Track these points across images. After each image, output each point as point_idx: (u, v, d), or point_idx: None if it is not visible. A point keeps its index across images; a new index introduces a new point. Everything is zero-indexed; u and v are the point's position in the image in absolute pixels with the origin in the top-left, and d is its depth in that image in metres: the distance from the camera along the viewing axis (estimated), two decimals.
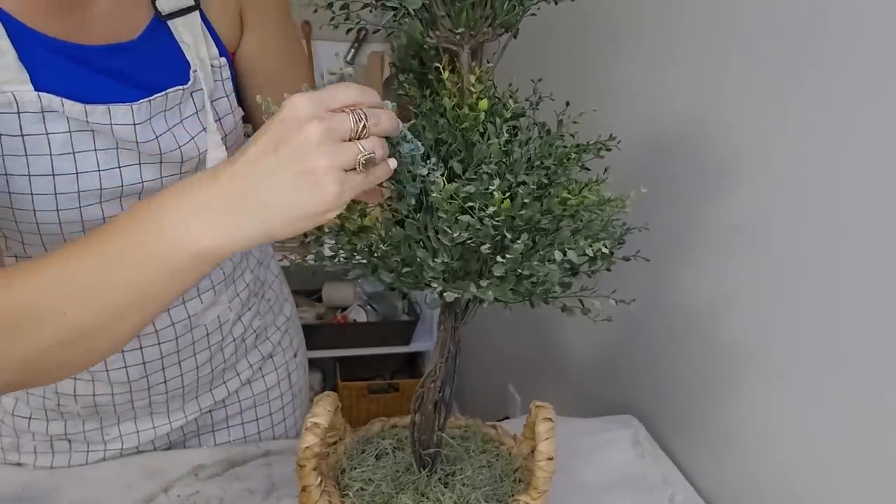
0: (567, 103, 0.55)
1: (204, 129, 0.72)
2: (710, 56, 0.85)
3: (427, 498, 0.66)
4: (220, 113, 0.74)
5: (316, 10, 0.46)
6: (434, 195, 0.51)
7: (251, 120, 0.84)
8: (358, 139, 0.48)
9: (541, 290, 0.54)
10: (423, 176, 0.52)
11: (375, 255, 0.56)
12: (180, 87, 0.70)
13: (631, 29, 1.04)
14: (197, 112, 0.71)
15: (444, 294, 0.55)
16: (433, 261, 0.53)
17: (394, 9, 0.46)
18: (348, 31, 0.47)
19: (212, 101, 0.72)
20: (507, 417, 1.43)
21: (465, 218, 0.51)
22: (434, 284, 0.54)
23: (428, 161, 0.52)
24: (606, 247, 0.52)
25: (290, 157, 0.46)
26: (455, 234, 0.51)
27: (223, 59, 0.74)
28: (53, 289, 0.50)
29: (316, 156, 0.46)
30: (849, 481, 0.69)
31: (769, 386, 0.78)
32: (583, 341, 1.27)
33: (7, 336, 0.50)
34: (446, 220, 0.51)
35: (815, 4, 0.69)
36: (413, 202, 0.54)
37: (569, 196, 0.52)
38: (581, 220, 0.54)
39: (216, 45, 0.74)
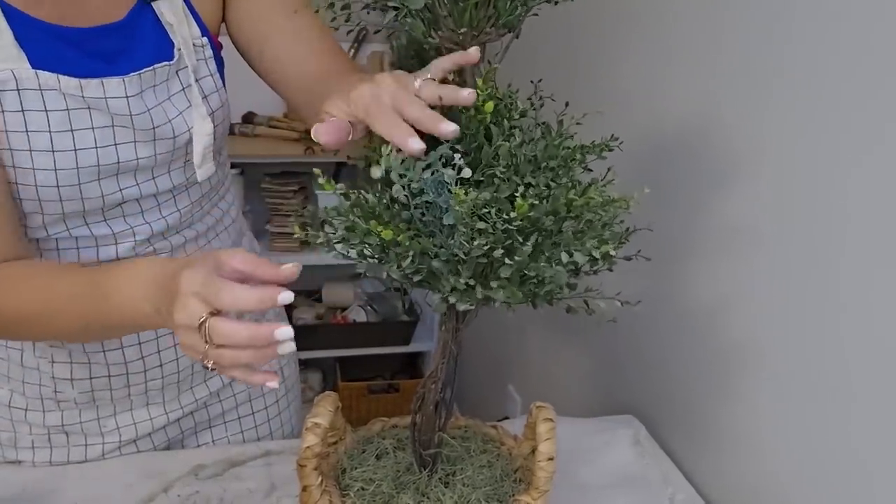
0: (566, 104, 0.55)
1: (190, 104, 0.76)
2: (710, 57, 0.85)
3: (428, 498, 0.66)
4: (206, 90, 0.77)
5: (318, 11, 0.45)
6: (456, 209, 0.51)
7: (276, 88, 0.84)
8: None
9: (545, 291, 0.54)
10: (447, 183, 0.52)
11: (385, 255, 0.55)
12: (166, 63, 0.74)
13: (631, 29, 1.04)
14: (183, 89, 0.76)
15: (457, 304, 0.55)
16: (455, 279, 0.53)
17: (395, 9, 0.46)
18: (349, 32, 0.47)
19: (197, 80, 0.76)
20: (506, 417, 1.43)
21: (481, 224, 0.51)
22: (451, 299, 0.55)
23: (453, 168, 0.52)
24: (614, 250, 0.52)
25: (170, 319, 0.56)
26: (475, 245, 0.51)
27: (204, 39, 0.77)
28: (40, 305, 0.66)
29: (179, 334, 0.56)
30: (848, 481, 0.69)
31: (769, 386, 0.78)
32: (583, 341, 1.27)
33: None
34: (465, 234, 0.51)
35: (817, 5, 0.69)
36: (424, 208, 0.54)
37: (574, 197, 0.52)
38: (584, 221, 0.53)
39: (198, 25, 0.77)
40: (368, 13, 0.47)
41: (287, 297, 0.52)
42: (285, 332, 0.52)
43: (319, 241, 0.55)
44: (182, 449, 0.92)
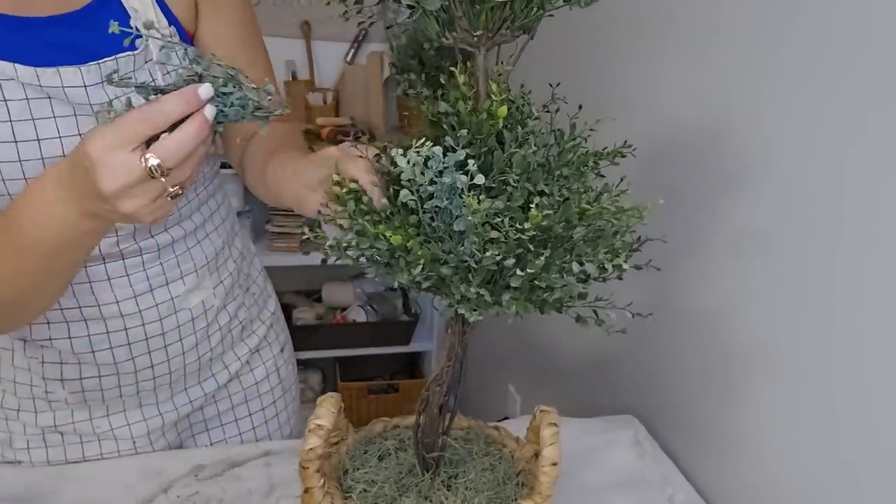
0: (580, 107, 0.54)
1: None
2: (717, 62, 0.85)
3: (430, 501, 0.66)
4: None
5: (329, 3, 0.45)
6: (469, 218, 0.50)
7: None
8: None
9: (554, 299, 0.53)
10: (459, 190, 0.51)
11: (394, 260, 0.55)
12: (131, 52, 0.71)
13: (640, 34, 1.03)
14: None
15: (467, 314, 0.54)
16: (465, 287, 0.52)
17: (411, 7, 0.46)
18: (359, 24, 0.47)
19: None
20: (506, 417, 1.43)
21: (494, 233, 0.51)
22: (461, 309, 0.54)
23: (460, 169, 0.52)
24: (625, 261, 0.52)
25: (97, 202, 0.55)
26: (486, 255, 0.50)
27: (172, 29, 0.74)
28: None
29: (119, 207, 0.55)
30: (848, 481, 0.69)
31: (769, 387, 0.78)
32: (583, 342, 1.27)
33: None
34: (477, 244, 0.51)
35: (825, 7, 0.69)
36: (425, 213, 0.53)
37: (588, 206, 0.52)
38: (595, 228, 0.53)
39: (164, 14, 0.74)
40: (380, 6, 0.47)
41: (206, 89, 0.53)
42: (206, 90, 0.54)
43: (329, 243, 0.54)
44: (181, 449, 0.92)
